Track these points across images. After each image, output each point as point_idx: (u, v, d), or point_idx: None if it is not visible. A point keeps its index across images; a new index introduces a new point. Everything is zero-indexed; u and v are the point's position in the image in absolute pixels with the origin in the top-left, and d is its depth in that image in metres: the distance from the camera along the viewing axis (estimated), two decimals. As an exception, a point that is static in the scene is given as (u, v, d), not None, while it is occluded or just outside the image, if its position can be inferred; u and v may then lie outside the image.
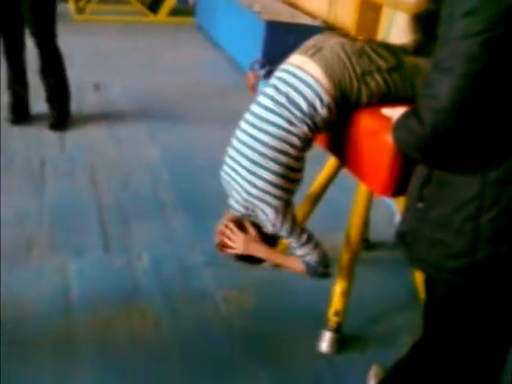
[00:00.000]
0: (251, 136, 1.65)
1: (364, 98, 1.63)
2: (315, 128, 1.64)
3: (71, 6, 6.39)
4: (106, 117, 3.71)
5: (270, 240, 1.81)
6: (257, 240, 1.79)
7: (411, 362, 1.39)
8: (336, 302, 1.91)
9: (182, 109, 3.91)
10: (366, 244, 2.40)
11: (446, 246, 1.05)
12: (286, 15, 4.58)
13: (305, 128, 1.62)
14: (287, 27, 4.24)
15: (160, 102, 4.00)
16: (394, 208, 2.44)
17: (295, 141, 1.61)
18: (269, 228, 1.71)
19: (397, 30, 3.26)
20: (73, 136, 3.38)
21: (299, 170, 1.68)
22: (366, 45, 1.65)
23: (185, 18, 6.54)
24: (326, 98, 1.60)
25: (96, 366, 1.79)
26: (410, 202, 1.16)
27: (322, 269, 1.74)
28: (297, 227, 1.70)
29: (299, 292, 2.20)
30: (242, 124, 1.71)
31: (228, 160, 1.73)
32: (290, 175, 1.65)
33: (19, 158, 3.07)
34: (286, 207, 1.67)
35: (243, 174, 1.66)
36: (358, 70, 1.59)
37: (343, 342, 1.94)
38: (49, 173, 2.93)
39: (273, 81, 1.71)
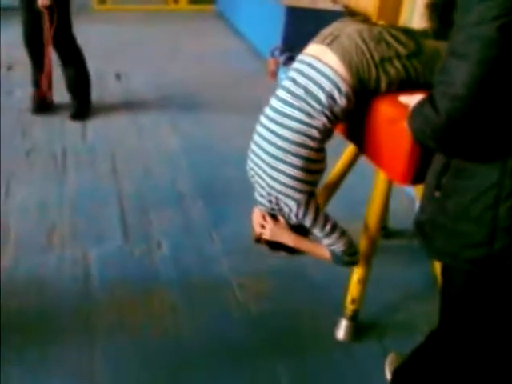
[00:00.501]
0: (271, 131, 1.65)
1: (383, 86, 1.60)
2: (334, 118, 1.62)
3: (93, -4, 6.44)
4: (127, 106, 3.74)
5: (300, 229, 1.81)
6: (285, 228, 1.81)
7: (428, 350, 1.38)
8: (353, 290, 1.90)
9: (202, 97, 3.91)
10: (385, 232, 2.37)
11: (464, 235, 1.03)
12: (306, 1, 4.51)
13: (324, 119, 1.60)
14: (307, 13, 4.17)
15: (181, 91, 4.01)
16: (414, 195, 2.41)
17: (315, 133, 1.60)
18: (293, 219, 1.71)
19: (419, 14, 3.19)
20: (94, 125, 3.42)
21: (320, 161, 1.67)
22: (385, 30, 1.61)
23: (205, 6, 6.53)
24: (344, 88, 1.58)
25: (114, 351, 1.82)
26: (427, 190, 1.15)
27: (348, 258, 1.75)
28: (320, 218, 1.70)
29: (317, 280, 2.20)
30: (262, 119, 1.71)
31: (251, 155, 1.74)
32: (311, 167, 1.64)
33: (41, 146, 3.12)
34: (308, 199, 1.67)
35: (265, 168, 1.67)
36: (377, 56, 1.56)
37: (360, 329, 1.94)
38: (70, 161, 2.97)
39: (290, 73, 1.69)
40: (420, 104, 1.00)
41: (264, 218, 1.83)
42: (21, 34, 3.33)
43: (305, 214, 1.67)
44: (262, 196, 1.76)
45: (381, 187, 1.88)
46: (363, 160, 1.97)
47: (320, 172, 1.70)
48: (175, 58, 4.72)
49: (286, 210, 1.70)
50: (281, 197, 1.68)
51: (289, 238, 1.83)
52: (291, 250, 1.89)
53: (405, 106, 1.38)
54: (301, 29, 4.07)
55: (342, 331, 1.93)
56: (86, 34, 3.47)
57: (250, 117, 1.77)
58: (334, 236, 1.71)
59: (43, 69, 3.36)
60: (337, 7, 4.28)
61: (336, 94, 1.58)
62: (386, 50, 1.57)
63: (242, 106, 3.70)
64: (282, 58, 4.08)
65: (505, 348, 1.18)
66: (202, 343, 1.88)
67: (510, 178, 0.96)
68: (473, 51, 0.88)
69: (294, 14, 4.22)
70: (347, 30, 1.62)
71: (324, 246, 1.77)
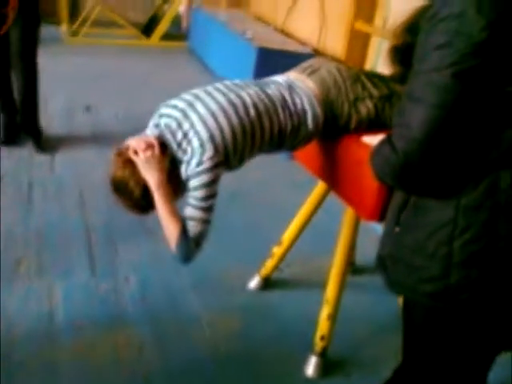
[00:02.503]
0: (233, 91, 1.61)
1: (353, 123, 1.67)
2: (295, 132, 1.64)
3: (64, 28, 6.46)
4: (96, 138, 3.72)
5: (178, 186, 1.62)
6: (164, 170, 1.56)
7: None
8: (322, 327, 1.92)
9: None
10: (353, 268, 2.41)
11: (421, 269, 1.06)
12: (277, 42, 4.67)
13: (288, 121, 1.61)
14: (278, 54, 4.31)
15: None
16: (380, 232, 2.46)
17: (268, 109, 1.59)
18: (187, 170, 1.53)
19: (384, 59, 3.34)
20: (62, 157, 3.38)
21: (251, 134, 1.59)
22: (361, 73, 1.71)
23: (177, 43, 6.64)
24: (318, 111, 1.64)
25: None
26: (388, 226, 1.18)
27: (193, 246, 1.55)
28: (213, 188, 1.54)
29: (287, 316, 2.20)
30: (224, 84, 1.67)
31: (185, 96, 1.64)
32: (240, 137, 1.57)
33: (8, 176, 3.06)
34: (215, 155, 1.52)
35: (200, 111, 1.56)
36: (351, 95, 1.64)
37: (329, 366, 1.95)
38: (37, 193, 2.93)
39: (267, 79, 1.74)
40: (380, 144, 1.05)
41: (156, 143, 1.56)
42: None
43: (201, 171, 1.51)
44: (170, 128, 1.59)
45: (349, 223, 1.93)
46: (331, 196, 2.03)
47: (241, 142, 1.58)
48: (146, 91, 4.75)
49: (189, 151, 1.54)
50: (193, 137, 1.53)
51: (156, 179, 1.54)
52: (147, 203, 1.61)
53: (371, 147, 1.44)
54: (271, 69, 4.19)
55: (311, 368, 1.93)
56: (57, 65, 3.48)
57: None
58: (205, 215, 1.54)
59: (13, 101, 3.34)
60: (306, 50, 4.44)
61: (309, 112, 1.63)
62: (360, 91, 1.65)
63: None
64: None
65: (468, 381, 1.21)
66: (168, 381, 1.84)
67: (463, 216, 1.00)
68: (428, 96, 0.92)
69: (264, 54, 4.35)
70: (327, 65, 1.70)
71: (178, 221, 1.55)
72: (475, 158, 0.98)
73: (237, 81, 1.69)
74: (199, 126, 1.54)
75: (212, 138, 1.53)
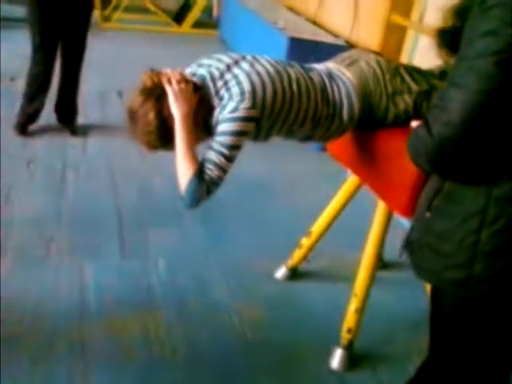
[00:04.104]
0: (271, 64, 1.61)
1: (390, 117, 1.66)
2: (330, 120, 1.63)
3: (97, 13, 6.52)
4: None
5: (203, 131, 1.59)
6: (192, 111, 1.53)
7: (420, 380, 1.39)
8: (350, 320, 1.92)
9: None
10: (381, 263, 2.40)
11: (448, 256, 1.08)
12: (309, 33, 4.63)
13: (319, 98, 1.60)
14: (310, 45, 4.27)
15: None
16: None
17: (308, 89, 1.59)
18: (222, 113, 1.51)
19: (420, 52, 3.29)
20: (95, 141, 3.44)
21: (288, 107, 1.57)
22: (401, 66, 1.69)
23: (208, 31, 6.64)
24: (355, 102, 1.63)
25: (107, 369, 1.81)
26: (419, 211, 1.19)
27: (205, 190, 1.51)
28: (240, 139, 1.50)
29: (313, 307, 2.21)
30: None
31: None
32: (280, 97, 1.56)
33: (42, 158, 3.12)
34: (252, 107, 1.50)
35: (246, 68, 1.56)
36: (390, 88, 1.63)
37: (354, 359, 1.95)
38: (70, 175, 2.98)
39: (309, 65, 1.73)
40: (418, 126, 1.05)
41: (191, 80, 1.55)
42: (22, 45, 3.34)
43: (234, 118, 1.48)
44: (211, 75, 1.58)
45: (381, 217, 1.92)
46: (363, 189, 2.02)
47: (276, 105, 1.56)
48: (177, 79, 4.77)
49: (226, 97, 1.51)
50: (235, 86, 1.51)
51: (183, 111, 1.50)
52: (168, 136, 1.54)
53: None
54: (302, 59, 4.17)
55: (336, 360, 1.93)
56: (89, 50, 3.50)
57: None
58: (224, 163, 1.50)
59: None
60: (339, 41, 4.39)
61: (345, 104, 1.63)
62: (399, 84, 1.63)
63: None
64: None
65: (495, 371, 1.20)
66: (196, 366, 1.87)
67: (493, 206, 1.00)
68: (469, 82, 0.92)
69: (296, 44, 4.32)
70: (366, 57, 1.69)
71: (195, 160, 1.51)
72: (510, 148, 0.97)
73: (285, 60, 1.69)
74: (242, 78, 1.52)
75: (254, 91, 1.51)
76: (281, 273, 2.36)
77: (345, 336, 1.93)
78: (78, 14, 3.18)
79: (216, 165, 1.50)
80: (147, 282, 2.23)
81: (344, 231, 2.43)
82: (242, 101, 1.49)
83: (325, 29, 4.91)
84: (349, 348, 1.93)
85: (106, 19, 6.46)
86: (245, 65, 1.58)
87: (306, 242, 2.28)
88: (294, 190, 3.10)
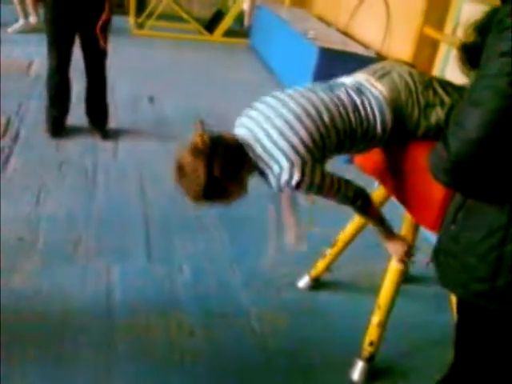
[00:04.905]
0: (300, 93, 1.65)
1: (421, 130, 1.66)
2: (364, 135, 1.65)
3: (131, 20, 6.66)
4: (157, 129, 3.83)
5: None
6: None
7: None
8: (372, 333, 1.91)
9: (231, 128, 3.97)
10: (405, 276, 2.38)
11: (472, 269, 1.08)
12: (339, 43, 4.64)
13: (358, 125, 1.63)
14: (340, 55, 4.29)
15: (210, 119, 4.05)
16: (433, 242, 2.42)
17: (347, 123, 1.62)
18: (281, 182, 1.59)
19: (452, 67, 3.26)
20: (125, 145, 3.50)
21: (327, 137, 1.61)
22: (434, 79, 1.69)
23: (239, 39, 6.71)
24: (387, 115, 1.63)
25: (131, 368, 1.84)
26: (445, 223, 1.20)
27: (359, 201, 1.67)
28: (319, 182, 1.58)
29: (335, 318, 2.21)
30: (286, 93, 1.70)
31: (254, 114, 1.69)
32: (319, 139, 1.60)
33: (73, 160, 3.20)
34: (299, 164, 1.57)
35: (277, 123, 1.60)
36: (422, 100, 1.62)
37: (375, 372, 1.94)
38: (100, 178, 3.04)
39: (334, 80, 1.74)
40: (437, 142, 1.07)
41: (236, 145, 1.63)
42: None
43: (297, 184, 1.57)
44: (248, 141, 1.65)
45: (408, 231, 1.91)
46: (390, 201, 2.01)
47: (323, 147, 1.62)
48: (206, 86, 4.84)
49: (276, 168, 1.59)
50: (279, 155, 1.58)
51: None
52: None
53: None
54: (332, 70, 4.16)
55: (357, 372, 1.92)
56: (123, 56, 3.60)
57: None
58: (337, 191, 1.62)
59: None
60: (369, 53, 4.39)
61: (378, 117, 1.63)
62: (432, 97, 1.63)
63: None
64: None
65: None
66: (216, 369, 1.89)
67: None
68: (486, 100, 0.93)
69: (325, 55, 4.33)
70: (399, 68, 1.68)
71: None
72: None
73: (308, 85, 1.71)
74: (279, 141, 1.57)
75: (295, 149, 1.56)
76: (303, 282, 2.36)
77: (367, 349, 1.92)
78: (92, 16, 3.21)
79: (340, 194, 1.64)
80: (172, 286, 2.26)
81: (369, 241, 2.41)
82: (291, 176, 1.56)
83: (355, 40, 4.92)
84: (370, 360, 1.92)
85: (140, 26, 6.59)
86: (275, 119, 1.61)
87: (329, 251, 2.28)
88: (319, 199, 3.09)
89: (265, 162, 1.61)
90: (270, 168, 1.60)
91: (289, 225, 2.80)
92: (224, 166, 1.56)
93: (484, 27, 1.03)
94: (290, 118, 1.59)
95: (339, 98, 1.63)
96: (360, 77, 1.75)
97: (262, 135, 1.61)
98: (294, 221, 2.85)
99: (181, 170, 1.61)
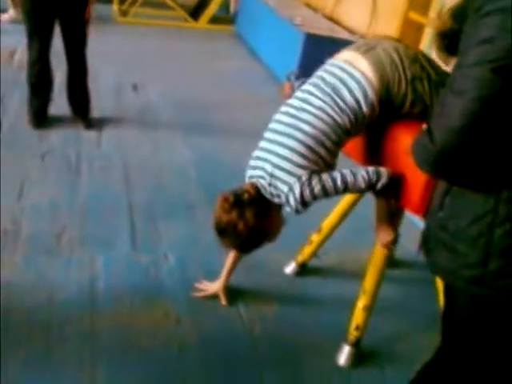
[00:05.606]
0: (292, 116, 1.71)
1: (407, 104, 1.65)
2: (355, 122, 1.66)
3: (115, 7, 6.56)
4: (141, 117, 3.79)
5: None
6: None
7: (426, 379, 1.38)
8: (358, 317, 1.91)
9: (216, 114, 3.96)
10: (391, 261, 2.38)
11: (462, 255, 1.08)
12: (325, 29, 4.61)
13: (345, 118, 1.65)
14: (326, 41, 4.26)
15: (195, 107, 4.06)
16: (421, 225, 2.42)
17: (333, 124, 1.66)
18: (292, 203, 1.70)
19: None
20: (109, 134, 3.46)
21: (332, 150, 1.71)
22: (420, 53, 1.67)
23: (225, 26, 6.64)
24: (371, 95, 1.63)
25: (116, 358, 1.83)
26: (432, 209, 1.20)
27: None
28: (328, 187, 1.67)
29: (321, 303, 2.21)
30: (281, 111, 1.77)
31: (260, 153, 1.78)
32: (321, 150, 1.68)
33: (57, 150, 3.15)
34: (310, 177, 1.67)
35: (278, 150, 1.70)
36: (409, 74, 1.61)
37: (362, 356, 1.94)
38: (84, 167, 3.00)
39: (320, 72, 1.74)
40: (420, 133, 1.06)
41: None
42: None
43: (303, 201, 1.68)
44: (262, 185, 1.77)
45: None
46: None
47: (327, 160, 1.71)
48: (191, 74, 4.79)
49: (285, 189, 1.70)
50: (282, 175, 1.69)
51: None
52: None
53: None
54: (318, 56, 4.14)
55: (343, 357, 1.93)
56: (106, 44, 3.54)
57: (261, 136, 1.82)
58: (343, 183, 1.68)
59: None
60: (355, 38, 4.37)
61: (362, 100, 1.63)
62: (419, 70, 1.61)
63: (254, 125, 3.70)
64: (297, 83, 4.16)
65: (507, 367, 1.19)
66: (204, 357, 1.88)
67: (504, 206, 1.00)
68: (468, 89, 0.93)
69: (312, 40, 4.31)
70: (384, 44, 1.67)
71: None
72: None
73: (291, 109, 1.73)
74: (284, 184, 1.69)
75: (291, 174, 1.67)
76: (290, 268, 2.36)
77: (352, 333, 1.92)
78: (71, 4, 3.16)
79: (345, 190, 1.72)
80: (157, 274, 2.24)
81: (355, 228, 2.42)
82: (296, 199, 1.69)
83: (342, 25, 4.89)
84: (356, 345, 1.92)
85: (124, 14, 6.49)
86: (274, 159, 1.72)
87: (316, 237, 2.28)
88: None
89: (274, 194, 1.74)
90: (282, 194, 1.71)
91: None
92: (255, 213, 1.75)
93: (460, 14, 1.02)
94: (282, 152, 1.69)
95: (318, 108, 1.67)
96: (344, 55, 1.72)
97: (272, 181, 1.73)
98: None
99: (222, 230, 1.84)
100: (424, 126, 1.06)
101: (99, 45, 3.52)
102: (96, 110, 3.60)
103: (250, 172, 1.81)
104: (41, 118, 3.42)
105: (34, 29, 3.19)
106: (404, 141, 1.64)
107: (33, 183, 2.77)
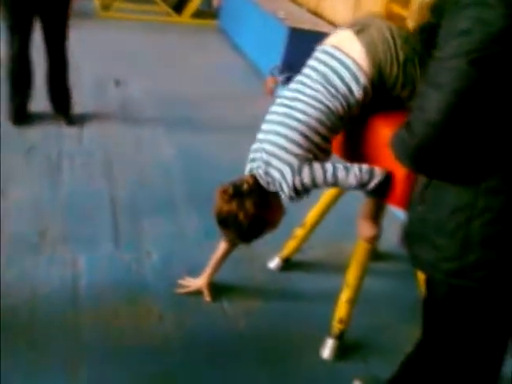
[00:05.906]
0: (286, 106, 1.72)
1: (398, 86, 1.65)
2: (348, 108, 1.68)
3: (96, 2, 6.48)
4: (124, 113, 3.76)
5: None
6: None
7: (408, 370, 1.40)
8: (341, 310, 1.92)
9: (199, 110, 3.94)
10: (374, 254, 2.39)
11: (442, 248, 1.09)
12: (309, 23, 4.60)
13: (337, 105, 1.66)
14: (310, 35, 4.24)
15: (179, 102, 4.04)
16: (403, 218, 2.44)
17: (327, 111, 1.67)
18: (285, 190, 1.72)
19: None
20: (91, 131, 3.42)
21: (327, 137, 1.72)
22: (412, 35, 1.67)
23: (208, 21, 6.60)
24: (362, 80, 1.64)
25: (99, 355, 1.81)
26: (413, 203, 1.20)
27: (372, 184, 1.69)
28: (320, 174, 1.68)
29: (306, 297, 2.22)
30: (276, 103, 1.79)
31: (260, 144, 1.78)
32: (316, 138, 1.70)
33: (38, 147, 3.11)
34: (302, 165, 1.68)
35: (272, 139, 1.72)
36: (401, 55, 1.61)
37: (345, 349, 1.95)
38: (65, 164, 2.97)
39: (311, 62, 1.76)
40: (400, 127, 1.06)
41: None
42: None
43: (296, 186, 1.69)
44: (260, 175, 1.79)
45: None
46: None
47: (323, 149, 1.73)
48: (175, 69, 4.76)
49: (277, 176, 1.72)
50: (277, 162, 1.70)
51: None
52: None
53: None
54: (301, 50, 4.13)
55: (327, 350, 1.94)
56: (88, 39, 3.49)
57: (245, 131, 1.83)
58: (341, 175, 1.69)
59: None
60: (338, 31, 4.36)
61: (354, 86, 1.64)
62: (410, 52, 1.61)
63: (238, 121, 3.73)
64: (280, 77, 4.15)
65: (487, 356, 1.21)
66: (187, 354, 1.87)
67: (483, 198, 1.01)
68: (446, 82, 0.93)
69: (295, 35, 4.30)
70: (378, 23, 1.66)
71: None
72: (492, 145, 0.98)
73: (285, 100, 1.75)
74: (272, 160, 1.72)
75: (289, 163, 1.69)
76: (274, 263, 2.36)
77: (336, 326, 1.93)
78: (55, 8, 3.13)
79: (335, 184, 1.73)
80: (140, 271, 2.23)
81: (338, 221, 2.43)
82: (288, 186, 1.71)
83: (325, 19, 4.88)
84: (340, 338, 1.93)
85: (106, 8, 6.42)
86: (269, 148, 1.74)
87: (299, 232, 2.28)
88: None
89: (270, 182, 1.76)
90: (276, 181, 1.73)
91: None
92: (254, 202, 1.76)
93: (439, 7, 1.03)
94: (280, 142, 1.70)
95: (311, 97, 1.68)
96: (337, 36, 1.74)
97: (269, 170, 1.74)
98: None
99: (223, 221, 1.85)
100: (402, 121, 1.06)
101: (81, 40, 3.48)
102: (78, 106, 3.56)
103: (249, 165, 1.82)
104: (21, 114, 3.37)
105: (14, 25, 3.14)
106: (384, 133, 1.64)
107: (14, 181, 2.73)
